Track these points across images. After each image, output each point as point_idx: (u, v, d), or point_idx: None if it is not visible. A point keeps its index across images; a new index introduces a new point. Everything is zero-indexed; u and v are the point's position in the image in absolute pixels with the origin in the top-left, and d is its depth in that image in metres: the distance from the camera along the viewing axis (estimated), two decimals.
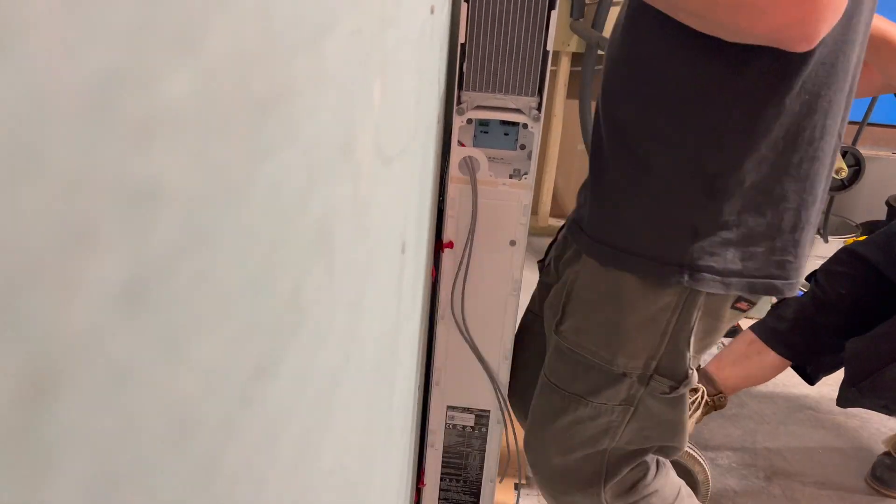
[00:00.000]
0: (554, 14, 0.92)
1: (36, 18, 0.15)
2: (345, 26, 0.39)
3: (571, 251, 1.01)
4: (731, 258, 0.82)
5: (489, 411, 1.24)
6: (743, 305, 0.87)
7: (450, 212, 1.07)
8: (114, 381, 0.19)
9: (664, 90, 0.82)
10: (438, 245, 1.12)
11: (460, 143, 1.04)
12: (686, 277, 0.82)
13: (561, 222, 3.20)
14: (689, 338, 0.86)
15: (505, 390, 1.23)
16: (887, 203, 2.83)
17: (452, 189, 1.06)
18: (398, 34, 0.57)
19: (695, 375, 0.88)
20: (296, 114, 0.32)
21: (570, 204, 3.14)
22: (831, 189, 2.01)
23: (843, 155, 2.45)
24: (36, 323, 0.16)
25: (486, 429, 1.26)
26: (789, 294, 0.84)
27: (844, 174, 2.46)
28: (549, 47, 0.95)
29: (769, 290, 0.83)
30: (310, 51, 0.34)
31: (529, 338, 1.16)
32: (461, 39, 0.95)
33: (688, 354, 0.87)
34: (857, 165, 2.46)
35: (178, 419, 0.23)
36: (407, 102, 0.66)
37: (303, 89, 0.33)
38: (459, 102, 0.99)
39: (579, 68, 2.78)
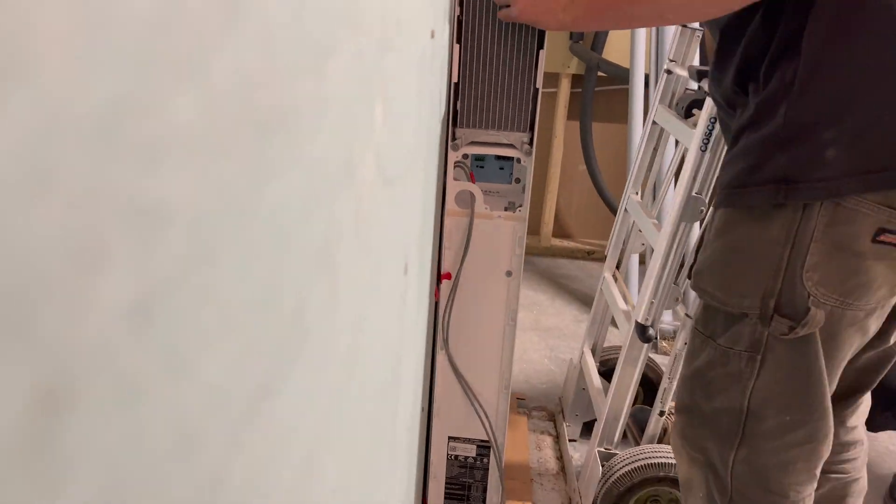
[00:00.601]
0: (542, 54, 0.97)
1: (50, 46, 0.16)
2: (346, 49, 0.40)
3: None
4: (831, 158, 0.76)
5: (490, 441, 1.24)
6: (890, 238, 0.78)
7: (447, 244, 1.10)
8: (123, 395, 0.20)
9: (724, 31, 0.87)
10: (440, 269, 1.13)
11: (455, 178, 1.07)
12: (782, 195, 0.79)
13: (563, 242, 3.20)
14: (803, 272, 0.81)
15: (504, 420, 1.23)
16: None
17: (449, 222, 1.08)
18: (398, 57, 0.58)
19: (818, 315, 0.82)
20: (298, 135, 0.33)
21: (572, 224, 3.15)
22: None
23: None
24: (50, 338, 0.17)
25: (488, 459, 1.26)
26: None
27: None
28: (539, 85, 0.99)
29: (892, 182, 0.76)
30: (312, 73, 0.34)
31: None
32: (454, 79, 0.99)
33: (806, 291, 0.82)
34: None
35: (184, 434, 0.23)
36: (408, 124, 0.67)
37: (305, 111, 0.34)
38: (454, 139, 1.03)
39: (579, 90, 2.80)
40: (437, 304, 1.14)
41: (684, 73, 1.49)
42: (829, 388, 0.91)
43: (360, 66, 0.44)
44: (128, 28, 0.19)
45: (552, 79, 2.80)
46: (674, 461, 1.14)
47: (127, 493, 0.20)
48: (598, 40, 2.67)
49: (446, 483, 1.28)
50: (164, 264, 0.21)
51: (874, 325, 0.88)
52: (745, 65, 0.85)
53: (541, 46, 0.98)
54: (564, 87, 2.82)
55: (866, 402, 1.12)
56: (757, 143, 0.82)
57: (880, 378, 1.07)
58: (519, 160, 1.06)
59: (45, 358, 0.17)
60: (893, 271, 0.82)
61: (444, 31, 0.92)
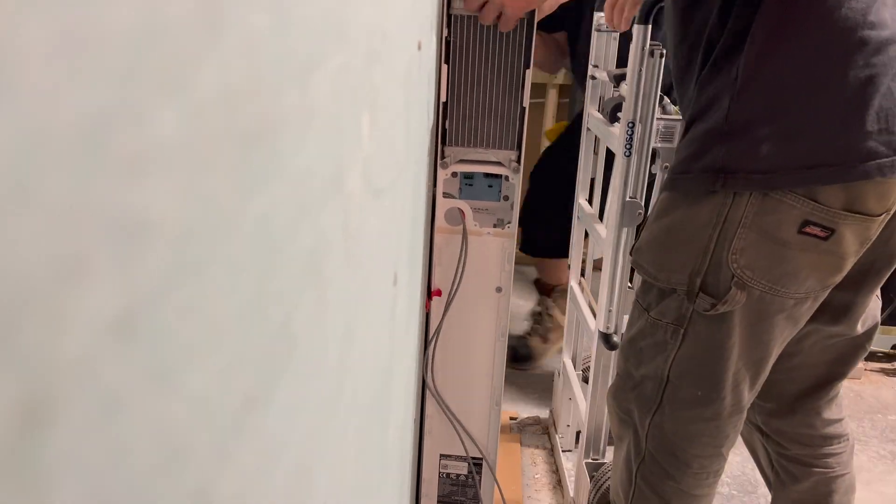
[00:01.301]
0: (528, 73, 0.98)
1: (32, 60, 0.16)
2: (332, 62, 0.40)
3: None
4: (766, 153, 0.81)
5: (482, 459, 1.24)
6: (814, 230, 0.82)
7: (437, 260, 1.10)
8: (106, 409, 0.20)
9: (674, 18, 0.93)
10: (430, 286, 1.13)
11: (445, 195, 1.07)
12: (720, 183, 0.84)
13: None
14: (729, 254, 0.86)
15: (496, 436, 1.23)
16: None
17: (439, 239, 1.09)
18: (385, 69, 0.58)
19: (738, 295, 0.87)
20: (284, 147, 0.33)
21: None
22: None
23: None
24: (31, 352, 0.17)
25: (480, 477, 1.25)
26: (845, 178, 0.80)
27: None
28: (526, 104, 1.01)
29: (820, 179, 0.80)
30: (297, 86, 0.35)
31: None
32: (443, 98, 1.00)
33: (730, 272, 0.87)
34: None
35: (169, 448, 0.23)
36: (396, 135, 0.67)
37: (291, 123, 0.34)
38: (443, 157, 1.04)
39: (567, 100, 2.81)
40: (428, 315, 1.14)
41: (606, 78, 1.49)
42: (757, 374, 0.96)
43: (347, 77, 0.44)
44: (110, 41, 0.19)
45: (540, 89, 2.81)
46: None
47: None
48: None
49: (438, 502, 1.28)
50: (147, 277, 0.21)
51: (806, 316, 0.92)
52: (705, 59, 0.90)
53: (527, 66, 0.99)
54: (552, 98, 2.83)
55: (841, 395, 1.14)
56: (701, 134, 0.87)
57: (852, 369, 1.09)
58: (507, 178, 1.07)
59: (27, 372, 0.16)
60: (821, 263, 0.86)
61: (430, 43, 0.92)
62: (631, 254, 1.02)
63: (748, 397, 0.97)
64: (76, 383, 0.18)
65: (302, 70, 0.35)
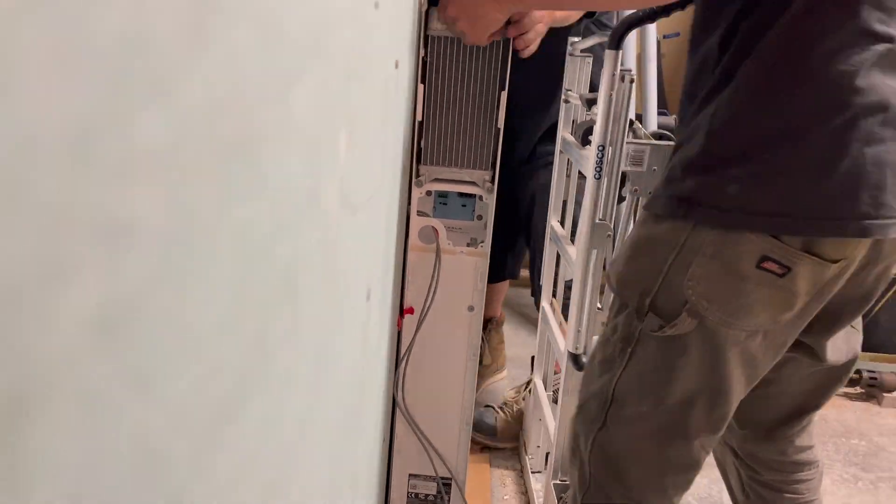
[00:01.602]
0: (503, 94, 1.00)
1: (24, 69, 0.17)
2: (311, 78, 0.41)
3: None
4: (732, 193, 0.84)
5: (452, 479, 1.24)
6: (772, 266, 0.85)
7: (410, 278, 1.11)
8: (85, 409, 0.20)
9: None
10: (403, 303, 1.13)
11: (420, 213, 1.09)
12: (682, 212, 0.86)
13: (527, 272, 3.21)
14: (685, 280, 0.87)
15: (465, 456, 1.22)
16: None
17: (413, 257, 1.10)
18: (363, 87, 0.59)
19: (686, 321, 0.88)
20: (263, 161, 0.33)
21: None
22: None
23: None
24: (13, 349, 0.17)
25: (449, 497, 1.25)
26: (804, 232, 0.83)
27: None
28: (500, 125, 1.03)
29: (779, 228, 0.83)
30: (277, 101, 0.35)
31: None
32: (418, 117, 1.01)
33: (684, 297, 0.88)
34: None
35: (146, 452, 0.23)
36: (372, 153, 0.68)
37: (270, 137, 0.34)
38: (418, 175, 1.06)
39: None
40: (399, 333, 1.14)
41: (579, 101, 1.52)
42: (714, 405, 0.94)
43: (325, 94, 0.45)
44: (98, 52, 0.19)
45: None
46: None
47: None
48: None
49: None
50: (128, 282, 0.22)
51: (761, 355, 0.93)
52: (697, 91, 0.94)
53: (503, 87, 1.01)
54: None
55: (813, 423, 1.16)
56: (678, 162, 0.91)
57: (828, 399, 1.11)
58: (481, 197, 1.09)
59: (7, 369, 0.17)
60: (774, 298, 0.88)
61: (408, 62, 0.94)
62: (604, 267, 1.03)
63: (699, 426, 0.96)
64: (57, 382, 0.18)
65: (283, 85, 0.35)
